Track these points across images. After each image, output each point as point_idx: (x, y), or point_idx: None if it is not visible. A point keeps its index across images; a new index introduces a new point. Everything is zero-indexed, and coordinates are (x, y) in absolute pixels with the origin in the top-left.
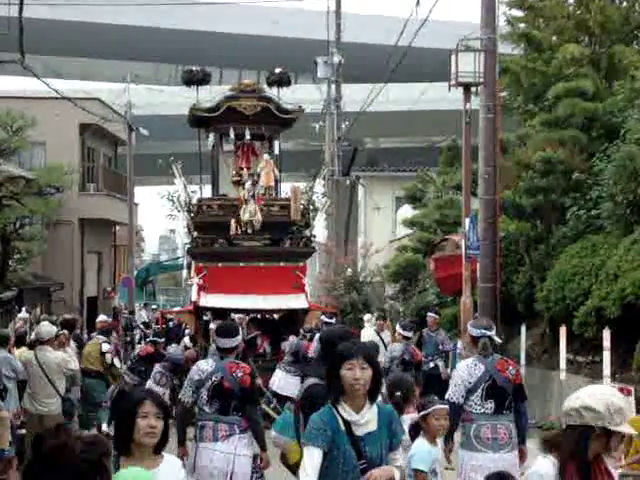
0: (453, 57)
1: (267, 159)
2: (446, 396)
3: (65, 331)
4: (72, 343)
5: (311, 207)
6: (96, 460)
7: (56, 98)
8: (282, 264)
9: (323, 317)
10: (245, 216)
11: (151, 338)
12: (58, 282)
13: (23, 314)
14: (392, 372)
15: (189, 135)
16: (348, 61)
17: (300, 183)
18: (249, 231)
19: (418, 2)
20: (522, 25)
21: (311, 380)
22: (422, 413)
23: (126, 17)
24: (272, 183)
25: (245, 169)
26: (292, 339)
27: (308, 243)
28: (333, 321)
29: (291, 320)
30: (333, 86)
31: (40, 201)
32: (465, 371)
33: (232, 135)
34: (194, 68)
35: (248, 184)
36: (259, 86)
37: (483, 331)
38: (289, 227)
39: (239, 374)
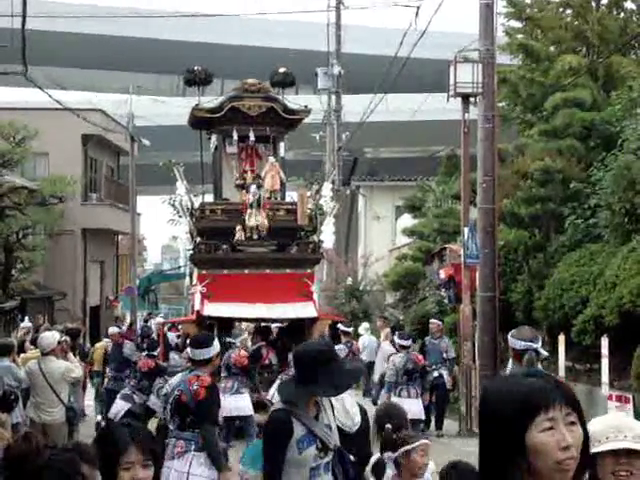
0: (452, 68)
1: (272, 162)
2: None
3: (67, 338)
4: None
5: (319, 211)
6: (62, 467)
7: (59, 109)
8: (289, 271)
9: (341, 326)
10: (251, 221)
11: (147, 352)
12: (61, 292)
13: (26, 323)
14: (399, 385)
15: (191, 145)
16: (348, 72)
17: (301, 187)
18: (254, 237)
19: (417, 13)
20: (520, 36)
21: (277, 404)
22: (405, 448)
23: (128, 29)
24: (277, 187)
25: (249, 172)
26: None
27: (316, 249)
28: (350, 330)
29: (298, 330)
30: (333, 97)
31: (43, 211)
32: None
33: (235, 137)
34: (196, 67)
35: (253, 188)
36: (264, 86)
37: (528, 343)
38: (296, 232)
39: (195, 387)
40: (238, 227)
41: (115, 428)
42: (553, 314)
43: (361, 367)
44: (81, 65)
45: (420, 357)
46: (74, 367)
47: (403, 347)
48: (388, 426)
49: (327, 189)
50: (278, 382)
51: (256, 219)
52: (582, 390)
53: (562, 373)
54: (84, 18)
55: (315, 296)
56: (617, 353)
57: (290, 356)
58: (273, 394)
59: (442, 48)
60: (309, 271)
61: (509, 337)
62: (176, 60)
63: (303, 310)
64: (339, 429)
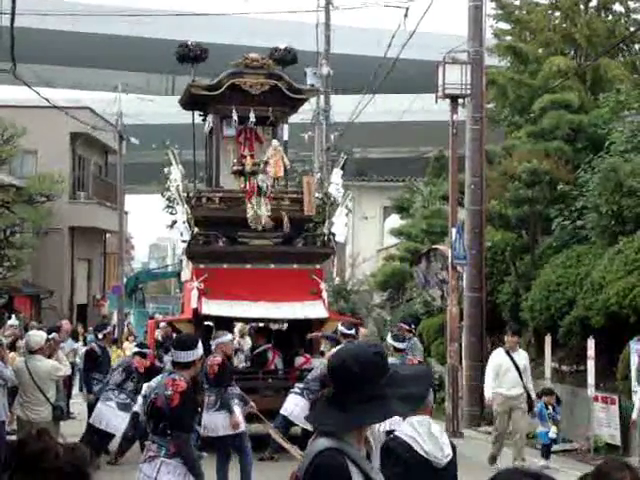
0: (440, 69)
1: (276, 146)
2: None
3: (55, 334)
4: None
5: (328, 200)
6: (79, 465)
7: (47, 107)
8: (295, 266)
9: (341, 327)
10: (261, 210)
11: (138, 350)
12: (48, 290)
13: (13, 321)
14: None
15: (180, 145)
16: (337, 72)
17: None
18: (258, 228)
19: (406, 14)
20: (509, 38)
21: (320, 442)
22: None
23: (118, 27)
24: (282, 174)
25: (248, 157)
26: (318, 361)
27: (326, 242)
28: (353, 332)
29: (306, 331)
30: (322, 97)
31: (31, 209)
32: None
33: (235, 117)
34: (190, 43)
35: (261, 176)
36: (268, 61)
37: None
38: (303, 224)
39: (169, 392)
40: (250, 212)
41: None
42: (540, 315)
43: (427, 370)
44: (70, 63)
45: (416, 360)
46: (61, 365)
47: (398, 350)
48: None
49: (337, 176)
50: (296, 396)
51: (266, 207)
52: (568, 391)
53: (548, 374)
54: (74, 16)
55: (324, 294)
56: (603, 355)
57: (298, 361)
58: (291, 411)
59: (431, 49)
60: (318, 267)
61: None
62: (166, 59)
63: (312, 310)
64: (424, 460)
